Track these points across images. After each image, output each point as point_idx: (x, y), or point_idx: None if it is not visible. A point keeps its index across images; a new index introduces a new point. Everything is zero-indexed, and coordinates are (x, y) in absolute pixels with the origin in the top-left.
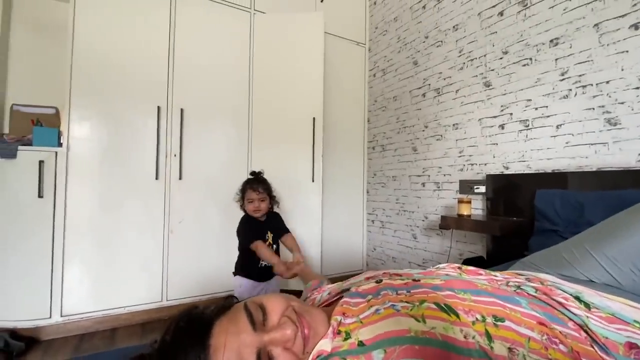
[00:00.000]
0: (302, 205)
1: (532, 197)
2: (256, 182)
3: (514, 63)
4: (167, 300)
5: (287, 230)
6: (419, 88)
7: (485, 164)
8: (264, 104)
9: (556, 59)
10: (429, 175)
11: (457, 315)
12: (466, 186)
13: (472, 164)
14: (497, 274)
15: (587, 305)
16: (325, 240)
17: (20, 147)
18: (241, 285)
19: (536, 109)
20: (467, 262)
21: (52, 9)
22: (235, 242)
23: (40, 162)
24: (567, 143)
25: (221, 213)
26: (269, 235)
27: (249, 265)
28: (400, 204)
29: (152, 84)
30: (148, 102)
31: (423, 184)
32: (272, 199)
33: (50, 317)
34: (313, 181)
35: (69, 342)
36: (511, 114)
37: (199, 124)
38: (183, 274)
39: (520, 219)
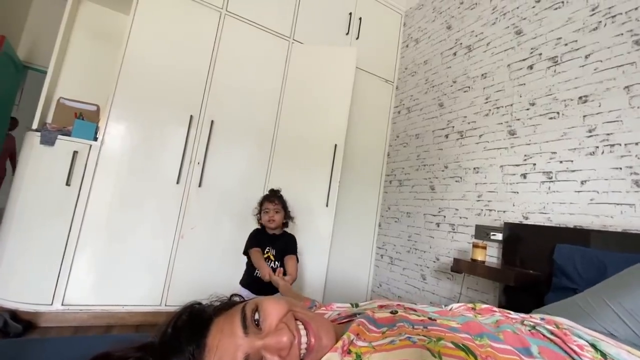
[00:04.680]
0: (313, 229)
1: (550, 251)
2: (273, 196)
3: (541, 115)
4: (165, 305)
5: (293, 252)
6: (443, 129)
7: (504, 211)
8: (289, 126)
9: (584, 116)
10: (444, 216)
11: (476, 357)
12: (482, 231)
13: (490, 210)
14: (511, 312)
15: (604, 356)
16: (331, 269)
17: (59, 137)
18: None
19: (561, 162)
20: None
21: (113, 19)
22: (242, 256)
23: (75, 153)
24: (591, 200)
25: (233, 226)
26: (270, 250)
27: (247, 274)
28: (412, 241)
29: (189, 94)
30: (182, 110)
31: (438, 224)
32: (286, 213)
33: (51, 304)
34: (327, 206)
35: (64, 332)
36: (534, 164)
37: (225, 137)
38: (186, 280)
39: (537, 273)
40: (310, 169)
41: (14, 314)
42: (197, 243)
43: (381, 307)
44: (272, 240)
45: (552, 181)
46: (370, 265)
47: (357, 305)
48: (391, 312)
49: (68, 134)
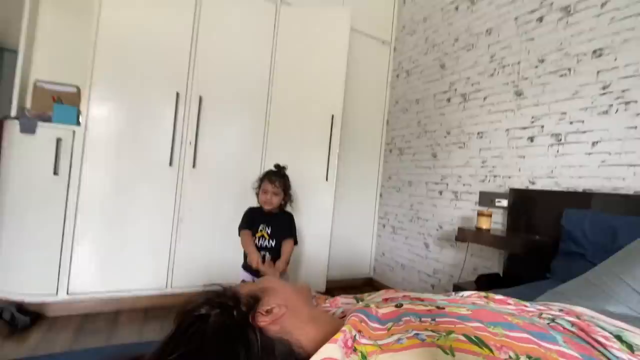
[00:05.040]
0: (313, 204)
1: (558, 216)
2: (275, 175)
3: (550, 73)
4: (171, 287)
5: (289, 236)
6: (444, 92)
7: (510, 177)
8: (282, 98)
9: (598, 72)
10: (447, 184)
11: (490, 350)
12: (487, 198)
13: (495, 176)
14: (527, 303)
15: (630, 347)
16: (333, 241)
17: (39, 123)
18: (240, 277)
19: (571, 123)
20: (482, 278)
21: None
22: None
23: (58, 140)
24: (602, 162)
25: (232, 205)
26: (265, 228)
27: (244, 256)
28: (414, 210)
29: (173, 69)
30: (167, 88)
31: (440, 192)
32: (286, 197)
33: (56, 294)
34: (326, 180)
35: (72, 320)
36: (542, 126)
37: (216, 114)
38: (189, 263)
39: (544, 238)
40: (307, 141)
41: (21, 306)
42: (197, 225)
43: (386, 300)
44: (268, 218)
45: (561, 143)
46: (372, 235)
47: (361, 300)
48: (396, 306)
49: (49, 119)
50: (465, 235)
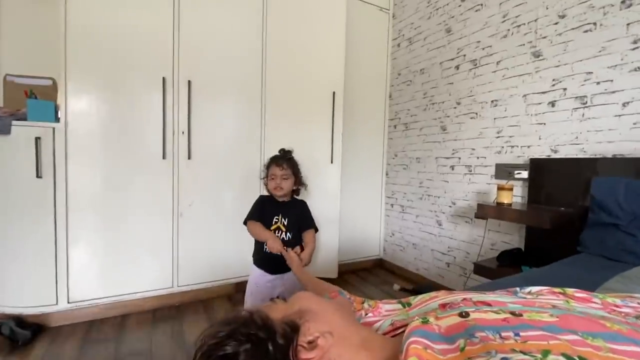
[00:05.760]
0: (319, 188)
1: (585, 186)
2: (281, 159)
3: (573, 29)
4: (178, 286)
5: (310, 226)
6: (452, 59)
7: (529, 147)
8: (278, 76)
9: (628, 24)
10: (459, 158)
11: None
12: (504, 170)
13: (513, 146)
14: (617, 300)
15: None
16: (341, 224)
17: (14, 122)
18: (251, 275)
19: (598, 83)
20: (504, 254)
21: None
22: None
23: (37, 139)
24: (634, 124)
25: (233, 195)
26: (280, 219)
27: (257, 250)
28: (424, 187)
29: (156, 52)
30: (152, 73)
31: (452, 167)
32: (298, 180)
33: (56, 303)
34: (332, 162)
35: (77, 329)
36: (565, 89)
37: (208, 99)
38: (194, 259)
39: (569, 209)
40: (308, 122)
41: (20, 320)
42: (198, 219)
43: (443, 306)
44: (283, 208)
45: (586, 106)
46: (380, 215)
47: (409, 305)
48: (460, 315)
49: (24, 117)
50: (486, 212)
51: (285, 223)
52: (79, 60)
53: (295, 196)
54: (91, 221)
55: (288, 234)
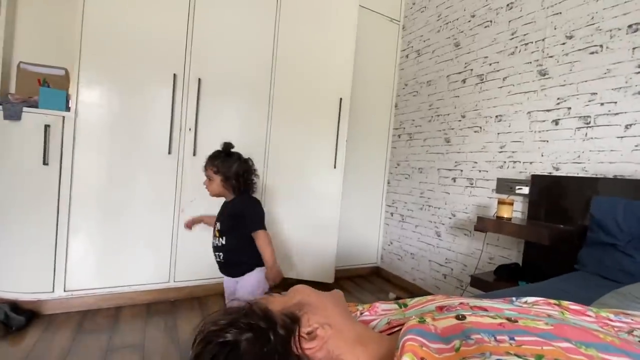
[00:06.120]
0: (321, 192)
1: (585, 204)
2: (208, 158)
3: (579, 50)
4: (174, 281)
5: (253, 227)
6: (459, 73)
7: (531, 163)
8: (287, 80)
9: (634, 48)
10: (461, 170)
11: None
12: (505, 185)
13: (515, 162)
14: (611, 314)
15: None
16: (340, 229)
17: (25, 109)
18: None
19: (602, 104)
20: (501, 268)
21: None
22: None
23: (46, 127)
24: (636, 146)
25: None
26: (216, 225)
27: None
28: (424, 198)
29: (169, 49)
30: (163, 69)
31: (454, 179)
32: (226, 182)
33: (53, 291)
34: (335, 167)
35: (71, 318)
36: (569, 108)
37: (216, 97)
38: (192, 255)
39: (569, 227)
40: (314, 126)
41: (15, 305)
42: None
43: (440, 309)
44: (220, 211)
45: (589, 126)
46: (379, 223)
47: (405, 305)
48: (456, 317)
49: (35, 105)
50: (486, 225)
51: (219, 227)
52: (92, 52)
53: (237, 194)
54: (93, 211)
55: (221, 239)
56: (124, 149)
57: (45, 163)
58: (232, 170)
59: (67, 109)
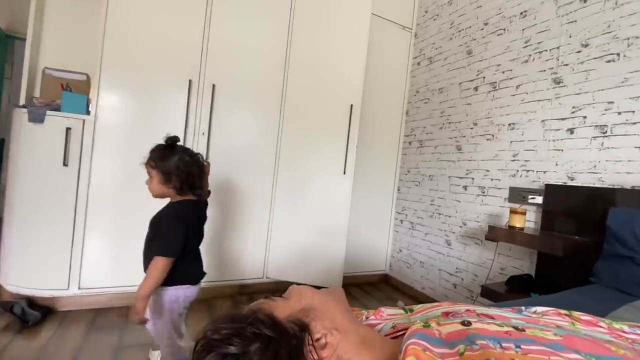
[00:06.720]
0: (330, 198)
1: (601, 215)
2: (149, 152)
3: (595, 58)
4: None
5: (153, 247)
6: (471, 81)
7: (545, 172)
8: (299, 86)
9: None
10: (473, 178)
11: None
12: (517, 194)
13: (528, 170)
14: (625, 326)
15: None
16: (349, 236)
17: (48, 112)
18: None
19: (619, 113)
20: (513, 279)
21: None
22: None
23: (68, 129)
24: None
25: (245, 199)
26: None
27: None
28: (435, 206)
29: (186, 56)
30: (179, 75)
31: (465, 187)
32: (166, 179)
33: (67, 288)
34: (344, 174)
35: (84, 315)
36: (585, 117)
37: (229, 103)
38: (204, 256)
39: (584, 238)
40: (324, 132)
41: (32, 301)
42: (209, 219)
43: (446, 314)
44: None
45: (606, 136)
46: (389, 230)
47: (411, 310)
48: (462, 323)
49: (57, 108)
50: (497, 234)
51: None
52: (113, 59)
53: (180, 195)
54: (109, 212)
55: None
56: (139, 152)
57: (65, 164)
58: (170, 165)
59: (88, 112)
